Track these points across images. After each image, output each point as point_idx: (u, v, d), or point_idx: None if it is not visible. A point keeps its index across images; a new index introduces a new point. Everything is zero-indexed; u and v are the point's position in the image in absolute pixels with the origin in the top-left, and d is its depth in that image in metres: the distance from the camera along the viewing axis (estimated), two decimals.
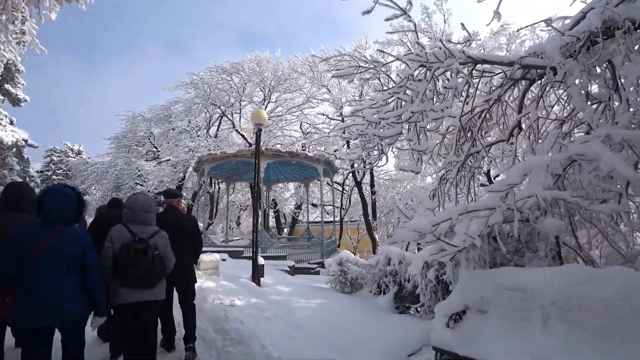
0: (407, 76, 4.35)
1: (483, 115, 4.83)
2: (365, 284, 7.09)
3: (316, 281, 9.58)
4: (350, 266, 7.20)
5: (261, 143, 16.25)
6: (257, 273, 6.72)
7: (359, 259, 7.43)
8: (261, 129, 7.38)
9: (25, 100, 22.69)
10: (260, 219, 24.64)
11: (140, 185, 20.67)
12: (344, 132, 5.49)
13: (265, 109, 20.62)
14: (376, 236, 18.87)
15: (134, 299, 2.80)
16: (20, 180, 23.14)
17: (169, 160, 20.07)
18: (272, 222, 25.39)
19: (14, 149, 19.08)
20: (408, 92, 4.55)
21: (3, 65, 8.89)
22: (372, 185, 19.66)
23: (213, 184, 21.79)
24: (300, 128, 22.99)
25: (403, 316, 5.86)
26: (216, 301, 4.57)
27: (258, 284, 6.64)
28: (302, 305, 5.23)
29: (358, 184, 19.26)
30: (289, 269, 10.04)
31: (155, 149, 21.93)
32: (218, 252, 11.97)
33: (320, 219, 29.89)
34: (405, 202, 14.53)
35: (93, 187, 23.49)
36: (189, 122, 21.00)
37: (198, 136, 19.42)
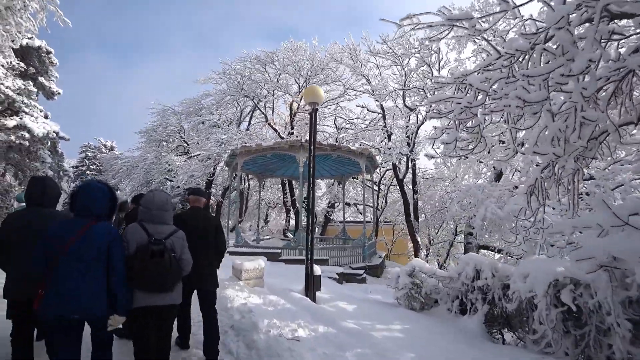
0: (560, 18, 2.98)
1: (613, 89, 3.39)
2: (441, 300, 5.74)
3: (369, 291, 8.29)
4: (424, 278, 5.83)
5: (295, 138, 14.96)
6: (313, 286, 5.45)
7: (435, 269, 6.03)
8: (317, 109, 6.11)
9: (59, 94, 22.59)
10: (292, 217, 23.59)
11: (170, 180, 19.98)
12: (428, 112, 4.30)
13: (299, 104, 19.44)
14: (418, 238, 17.33)
15: (149, 303, 2.64)
16: (52, 173, 23.12)
17: (199, 155, 19.27)
18: (302, 221, 24.32)
19: (47, 142, 18.83)
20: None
21: (20, 46, 8.02)
22: (414, 183, 18.13)
23: (243, 181, 20.87)
24: (335, 123, 21.76)
25: (506, 347, 4.47)
26: (272, 331, 3.32)
27: (313, 299, 5.37)
28: (385, 335, 3.92)
29: (400, 182, 17.73)
30: (337, 277, 8.74)
31: (186, 144, 21.22)
32: (252, 254, 10.90)
33: (352, 219, 28.74)
34: (459, 200, 12.95)
35: (123, 182, 23.12)
36: (220, 116, 20.11)
37: (229, 130, 18.46)
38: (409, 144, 17.02)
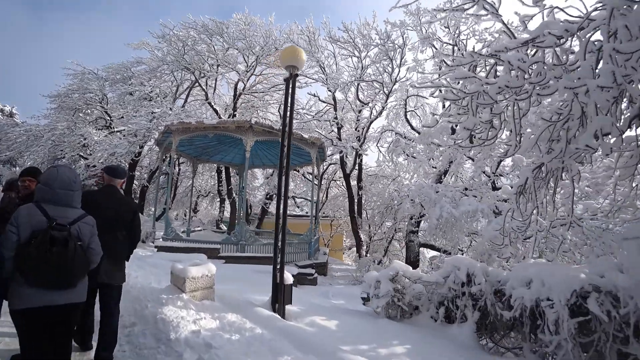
0: None
1: None
2: (422, 307, 5.09)
3: (330, 295, 7.39)
4: (407, 283, 5.08)
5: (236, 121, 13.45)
6: (283, 299, 4.31)
7: (420, 273, 5.30)
8: (296, 75, 4.95)
9: None
10: (226, 208, 21.79)
11: (84, 158, 17.00)
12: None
13: (245, 84, 17.77)
14: (362, 235, 16.92)
15: (45, 302, 2.11)
16: None
17: (122, 130, 16.62)
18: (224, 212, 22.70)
19: None
20: None
21: None
22: (359, 179, 17.66)
23: (173, 164, 18.61)
24: (279, 111, 20.44)
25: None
26: None
27: (283, 315, 4.24)
28: None
29: (346, 177, 17.11)
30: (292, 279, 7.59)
31: (108, 117, 18.27)
32: (187, 249, 9.31)
33: (290, 213, 27.68)
34: (412, 198, 12.63)
35: (23, 156, 19.28)
36: (153, 88, 17.62)
37: (163, 104, 16.14)
38: (358, 139, 16.48)
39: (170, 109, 16.11)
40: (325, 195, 22.23)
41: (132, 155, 15.62)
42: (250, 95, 18.26)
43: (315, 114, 20.82)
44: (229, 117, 17.46)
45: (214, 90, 18.63)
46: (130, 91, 17.79)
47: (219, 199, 21.97)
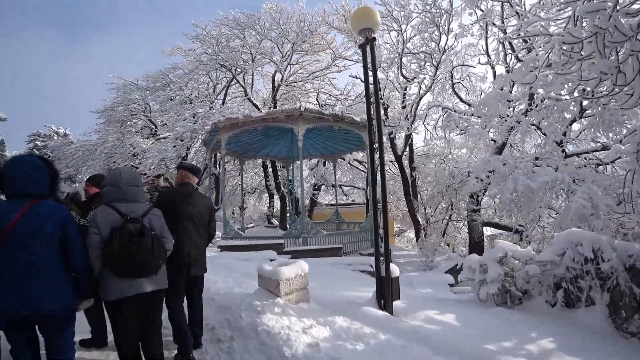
0: None
1: None
2: (533, 290, 4.33)
3: (414, 284, 6.76)
4: (516, 265, 4.34)
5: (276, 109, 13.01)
6: (391, 294, 3.71)
7: (531, 252, 4.52)
8: (374, 39, 4.28)
9: None
10: (270, 204, 21.61)
11: (135, 167, 17.35)
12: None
13: (283, 75, 17.24)
14: (419, 219, 16.03)
15: (134, 292, 2.30)
16: None
17: (167, 136, 16.75)
18: (274, 206, 22.49)
19: None
20: None
21: None
22: (411, 160, 16.68)
23: (218, 163, 18.58)
24: (317, 100, 19.81)
25: None
26: None
27: (392, 312, 3.65)
28: None
29: (398, 159, 16.20)
30: (372, 269, 6.97)
31: (153, 125, 18.53)
32: (251, 247, 8.98)
33: (343, 202, 27.19)
34: (477, 175, 11.62)
35: (80, 171, 20.12)
36: (192, 91, 17.59)
37: (205, 105, 16.03)
38: (407, 117, 15.50)
39: (211, 107, 15.96)
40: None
41: (180, 159, 15.66)
42: (290, 85, 17.73)
43: (355, 98, 20.05)
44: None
45: (252, 86, 18.30)
46: (170, 97, 17.89)
47: (267, 195, 21.81)
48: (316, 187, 21.66)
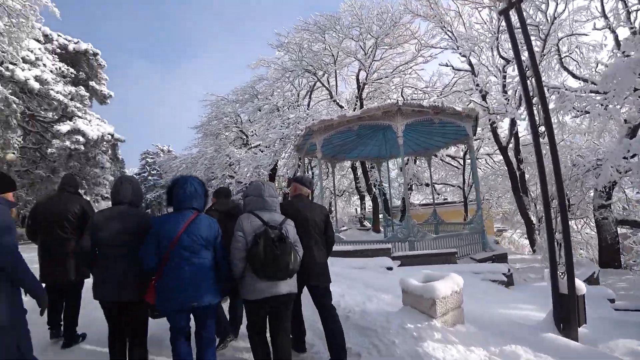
0: None
1: None
2: None
3: None
4: None
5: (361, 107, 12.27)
6: (577, 316, 2.90)
7: None
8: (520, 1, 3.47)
9: (110, 96, 21.75)
10: (361, 206, 21.06)
11: (231, 177, 18.24)
12: None
13: (367, 72, 16.66)
14: (532, 217, 14.12)
15: (273, 292, 2.53)
16: (113, 179, 22.46)
17: (258, 145, 17.29)
18: (366, 208, 21.84)
19: (104, 146, 17.85)
20: None
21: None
22: (517, 151, 14.80)
23: (307, 168, 18.64)
24: (402, 95, 18.80)
25: None
26: None
27: (576, 338, 2.83)
28: None
29: (503, 150, 14.52)
30: (505, 278, 6.00)
31: (245, 135, 19.37)
32: (356, 252, 8.52)
33: (427, 201, 25.67)
34: (613, 164, 9.73)
35: None
36: (277, 99, 17.96)
37: (295, 111, 16.20)
38: (507, 101, 13.76)
39: (306, 111, 16.03)
40: (469, 177, 19.68)
41: (272, 166, 15.99)
42: (375, 83, 17.10)
43: (444, 89, 18.65)
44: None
45: (336, 87, 18.07)
46: (259, 107, 18.49)
47: (356, 197, 21.39)
48: (409, 186, 20.64)
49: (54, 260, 3.55)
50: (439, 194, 25.70)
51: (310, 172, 19.16)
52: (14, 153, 12.96)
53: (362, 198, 19.92)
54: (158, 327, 3.14)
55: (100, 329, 3.53)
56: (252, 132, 19.19)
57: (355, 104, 17.45)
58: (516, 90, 13.67)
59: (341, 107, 17.31)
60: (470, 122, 10.78)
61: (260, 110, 18.62)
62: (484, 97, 14.68)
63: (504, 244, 24.08)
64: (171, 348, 2.53)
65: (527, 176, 15.16)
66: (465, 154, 18.91)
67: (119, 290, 2.57)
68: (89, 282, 2.96)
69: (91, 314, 3.69)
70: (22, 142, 14.50)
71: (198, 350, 2.58)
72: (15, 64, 13.57)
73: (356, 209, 24.77)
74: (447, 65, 15.12)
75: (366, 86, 16.86)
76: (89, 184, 16.64)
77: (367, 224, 19.79)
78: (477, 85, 14.54)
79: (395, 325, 2.91)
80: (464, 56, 14.76)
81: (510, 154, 14.80)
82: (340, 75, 18.89)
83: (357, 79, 17.04)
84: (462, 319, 3.08)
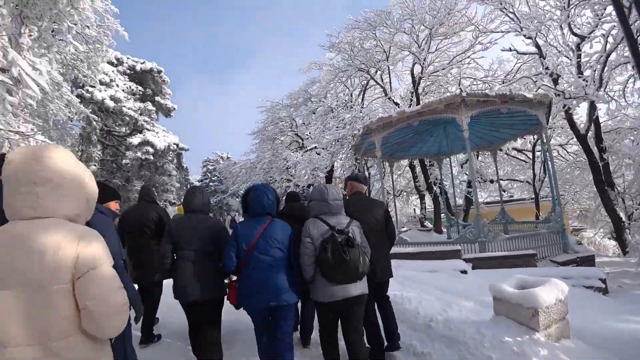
0: None
1: None
2: None
3: None
4: None
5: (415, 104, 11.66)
6: None
7: None
8: None
9: (174, 109, 23.23)
10: (421, 206, 20.25)
11: (288, 180, 18.48)
12: None
13: (422, 65, 15.98)
14: (620, 214, 12.55)
15: (344, 295, 2.55)
16: (179, 186, 23.93)
17: (313, 148, 17.33)
18: (426, 208, 20.90)
19: (170, 155, 19.06)
20: None
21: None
22: (598, 139, 13.26)
23: (363, 167, 18.29)
24: (460, 88, 17.75)
25: None
26: None
27: None
28: None
29: (582, 138, 13.11)
30: (602, 285, 5.30)
31: (300, 139, 19.57)
32: (421, 255, 8.11)
33: (494, 199, 24.08)
34: None
35: (244, 188, 22.66)
36: (331, 101, 17.90)
37: (351, 111, 16.02)
38: (585, 81, 12.34)
39: (361, 110, 15.81)
40: (543, 170, 18.07)
41: (329, 168, 15.92)
42: (433, 76, 16.35)
43: (505, 77, 17.34)
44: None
45: (390, 84, 17.59)
46: (313, 110, 18.55)
47: (415, 196, 20.65)
48: (471, 184, 19.50)
49: (138, 263, 3.92)
50: (504, 191, 24.00)
51: (366, 173, 18.81)
52: (95, 165, 14.27)
53: (421, 197, 19.13)
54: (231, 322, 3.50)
55: (173, 329, 4.23)
56: (307, 135, 19.33)
57: (411, 100, 16.82)
58: (595, 70, 12.24)
59: (396, 104, 16.81)
60: (543, 110, 9.88)
61: (314, 113, 18.68)
62: (555, 81, 13.39)
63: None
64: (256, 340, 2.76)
65: (611, 167, 13.55)
66: (534, 145, 17.40)
67: (197, 290, 2.78)
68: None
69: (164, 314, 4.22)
70: (101, 155, 15.91)
71: (277, 351, 2.70)
72: (93, 86, 14.92)
73: (414, 209, 23.94)
74: (510, 50, 14.00)
75: (422, 80, 16.18)
76: (158, 191, 17.81)
77: (428, 224, 18.99)
78: (547, 68, 13.29)
79: (489, 338, 2.58)
80: (529, 38, 13.57)
81: (590, 142, 13.30)
82: (393, 72, 18.38)
83: (412, 74, 16.43)
84: (567, 333, 2.66)
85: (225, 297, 2.87)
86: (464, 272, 5.85)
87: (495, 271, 5.79)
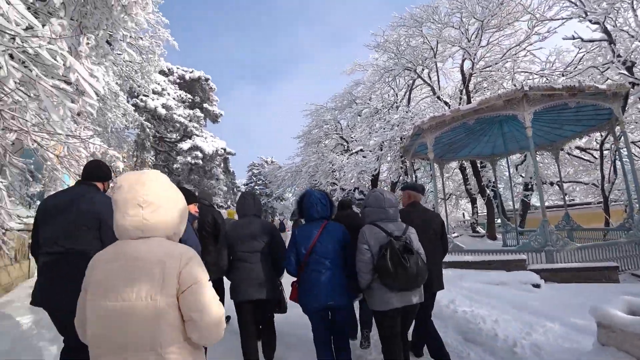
0: None
1: None
2: None
3: None
4: None
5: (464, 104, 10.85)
6: None
7: None
8: None
9: (221, 115, 23.91)
10: (473, 210, 19.16)
11: (334, 183, 18.25)
12: None
13: (473, 61, 15.12)
14: None
15: (403, 303, 2.55)
16: (227, 189, 24.57)
17: (359, 151, 16.98)
18: (478, 212, 19.67)
19: (218, 160, 19.60)
20: None
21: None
22: None
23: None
24: (513, 84, 16.55)
25: None
26: None
27: None
28: None
29: None
30: None
31: (345, 142, 19.31)
32: (482, 264, 7.49)
33: (554, 203, 22.29)
34: None
35: (287, 192, 22.79)
36: (376, 102, 17.48)
37: (399, 111, 15.52)
38: None
39: (409, 111, 15.28)
40: (612, 171, 16.39)
41: (376, 171, 15.50)
42: (485, 71, 15.43)
43: (566, 68, 15.92)
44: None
45: (438, 83, 16.85)
46: (358, 112, 18.23)
47: (465, 200, 19.62)
48: (528, 187, 18.17)
49: None
50: (566, 194, 22.15)
51: (413, 176, 18.16)
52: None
53: (473, 201, 18.10)
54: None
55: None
56: (352, 137, 19.04)
57: (460, 99, 15.97)
58: None
59: (446, 103, 16.05)
60: (619, 102, 8.85)
61: (359, 115, 18.35)
62: (629, 69, 12.05)
63: None
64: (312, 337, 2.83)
65: None
66: (602, 143, 15.81)
67: (252, 290, 2.94)
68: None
69: None
70: (154, 160, 16.69)
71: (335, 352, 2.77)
72: (147, 95, 15.68)
73: (463, 213, 22.77)
74: (573, 39, 12.82)
75: (472, 77, 15.31)
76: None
77: (481, 229, 17.92)
78: (619, 56, 12.00)
79: None
80: (595, 23, 12.35)
81: None
82: (441, 70, 17.61)
83: (462, 70, 15.59)
84: None
85: (288, 296, 2.99)
86: (537, 285, 5.25)
87: (575, 286, 5.15)
